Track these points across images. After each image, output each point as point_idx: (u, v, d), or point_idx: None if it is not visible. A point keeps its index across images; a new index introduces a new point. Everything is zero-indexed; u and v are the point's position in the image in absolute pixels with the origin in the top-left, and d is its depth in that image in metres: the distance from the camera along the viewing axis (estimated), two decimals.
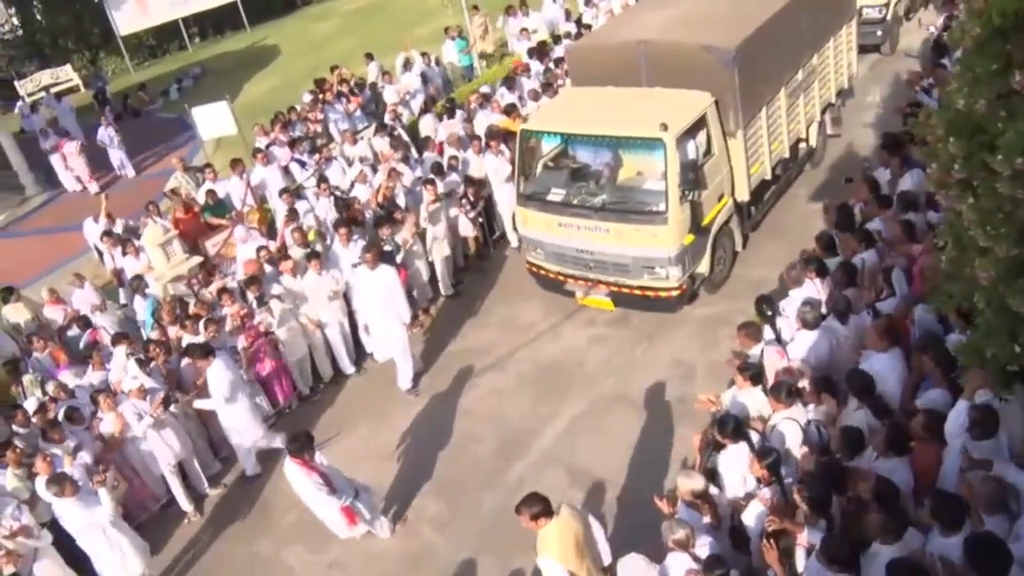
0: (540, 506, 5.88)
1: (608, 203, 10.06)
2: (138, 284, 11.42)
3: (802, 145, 12.62)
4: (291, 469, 7.45)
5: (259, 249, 11.32)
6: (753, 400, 7.00)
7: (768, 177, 11.45)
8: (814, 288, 8.08)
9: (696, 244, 10.08)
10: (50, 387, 9.70)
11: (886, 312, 7.29)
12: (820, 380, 6.89)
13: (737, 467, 6.36)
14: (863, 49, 15.66)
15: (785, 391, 6.65)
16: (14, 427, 9.08)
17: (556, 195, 10.49)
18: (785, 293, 8.54)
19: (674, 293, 10.08)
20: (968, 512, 4.99)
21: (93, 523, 7.94)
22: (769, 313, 7.89)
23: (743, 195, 10.90)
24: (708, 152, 10.28)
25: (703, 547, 5.67)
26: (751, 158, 10.79)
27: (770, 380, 7.16)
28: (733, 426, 6.44)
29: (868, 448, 6.01)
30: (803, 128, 12.29)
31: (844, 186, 10.86)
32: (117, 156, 20.11)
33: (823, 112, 12.98)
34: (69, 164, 19.63)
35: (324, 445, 7.99)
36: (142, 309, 11.33)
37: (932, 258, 6.82)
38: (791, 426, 6.59)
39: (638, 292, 10.22)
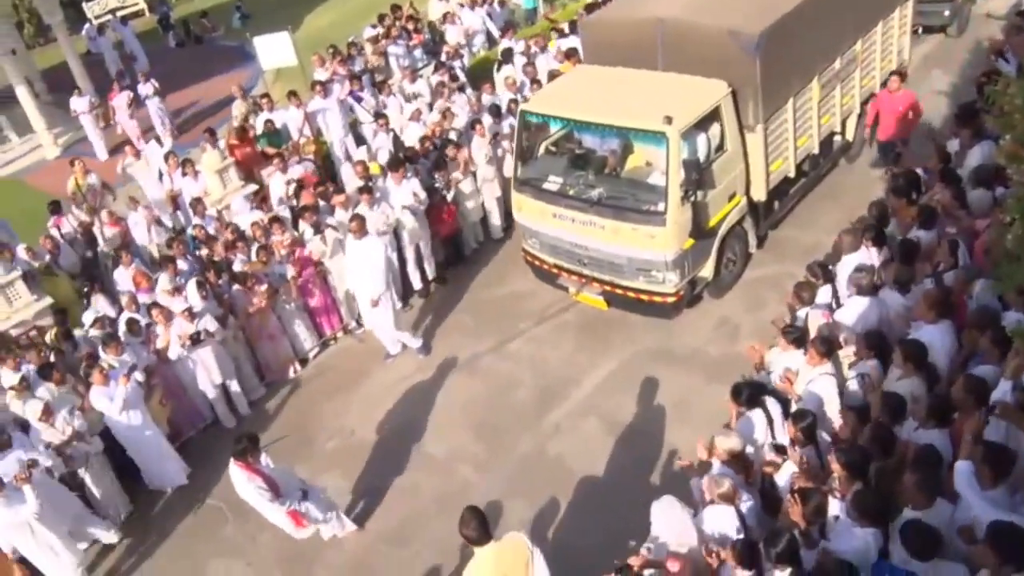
0: (472, 530, 5.22)
1: (605, 197, 9.33)
2: (197, 206, 11.65)
3: (837, 138, 11.67)
4: (234, 472, 7.09)
5: (316, 184, 11.45)
6: (792, 362, 6.97)
7: (792, 174, 10.53)
8: (868, 255, 7.94)
9: (698, 248, 9.37)
10: (123, 299, 10.01)
11: (943, 284, 7.15)
12: (871, 335, 6.81)
13: (755, 433, 6.37)
14: (927, 30, 14.85)
15: (826, 344, 6.63)
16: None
17: (553, 183, 9.84)
18: (837, 258, 8.41)
19: (670, 299, 9.41)
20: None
21: (17, 523, 7.53)
22: (831, 274, 7.81)
23: (759, 194, 10.02)
24: (721, 147, 9.42)
25: (745, 503, 5.70)
26: (772, 154, 9.91)
27: None
28: (747, 395, 6.50)
29: (908, 419, 5.96)
30: (838, 121, 11.29)
31: (907, 152, 10.57)
32: (157, 115, 17.88)
33: (864, 103, 11.79)
34: (118, 118, 17.97)
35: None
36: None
37: (996, 234, 6.66)
38: (829, 382, 6.57)
39: (632, 295, 9.59)
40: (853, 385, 6.68)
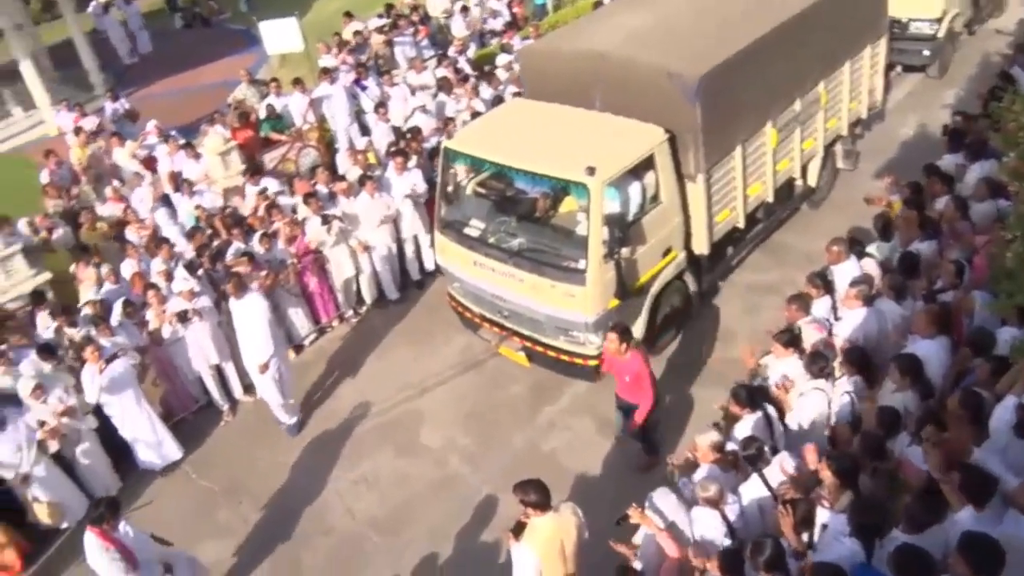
0: (537, 496, 5.47)
1: (525, 248, 8.62)
2: (187, 187, 11.67)
3: (798, 183, 10.90)
4: (88, 540, 6.44)
5: (315, 167, 11.58)
6: (789, 367, 6.99)
7: (740, 225, 9.80)
8: (857, 266, 7.96)
9: (626, 307, 8.53)
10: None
11: (942, 300, 7.16)
12: (852, 352, 6.79)
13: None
14: (907, 69, 14.44)
15: (820, 363, 6.66)
16: (66, 329, 9.33)
17: (474, 228, 9.12)
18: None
19: (591, 362, 8.59)
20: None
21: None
22: (831, 285, 7.79)
23: (702, 248, 9.27)
24: (655, 198, 8.67)
25: (731, 506, 5.73)
26: (717, 205, 9.17)
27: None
28: (746, 396, 6.51)
29: (902, 433, 5.98)
30: (797, 166, 10.53)
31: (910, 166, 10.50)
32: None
33: (831, 145, 11.29)
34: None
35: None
36: (186, 212, 11.59)
37: (995, 250, 6.69)
38: (820, 397, 6.60)
39: (553, 353, 8.84)
40: (843, 400, 6.69)
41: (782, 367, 7.05)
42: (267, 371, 8.98)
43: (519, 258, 8.59)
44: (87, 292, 10.06)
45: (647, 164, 8.49)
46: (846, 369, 6.77)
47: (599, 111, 9.01)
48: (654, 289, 8.92)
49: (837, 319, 7.58)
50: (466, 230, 9.18)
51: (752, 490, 5.94)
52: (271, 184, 11.64)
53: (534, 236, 8.75)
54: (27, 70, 18.45)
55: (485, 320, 9.46)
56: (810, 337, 7.30)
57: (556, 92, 9.35)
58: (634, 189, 8.55)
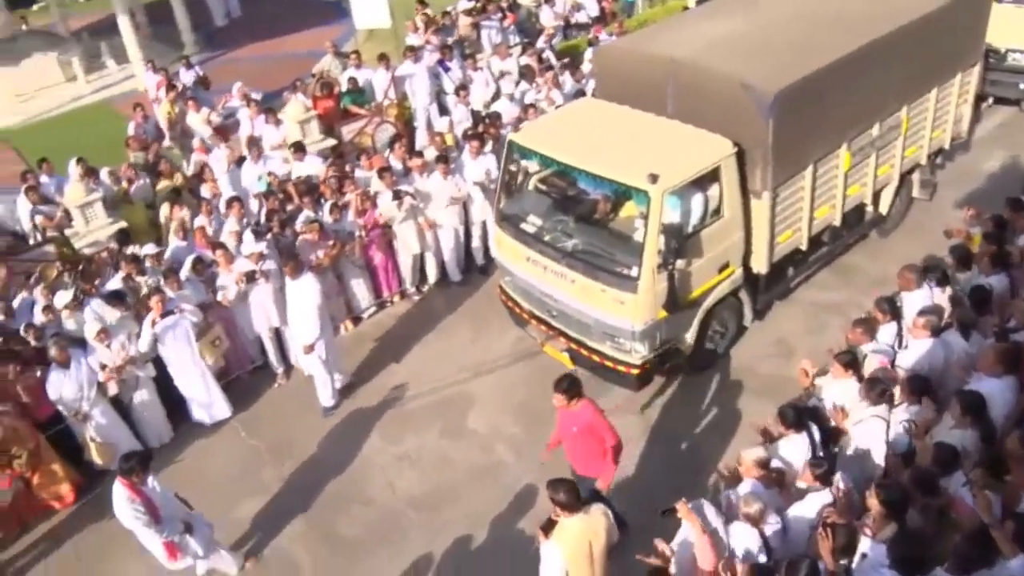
0: (567, 496, 5.44)
1: (579, 250, 8.48)
2: (256, 152, 11.80)
3: (868, 209, 10.62)
4: (116, 489, 6.66)
5: (393, 140, 11.77)
6: (845, 389, 6.83)
7: (803, 247, 9.58)
8: (928, 295, 7.74)
9: (676, 319, 8.42)
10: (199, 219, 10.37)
11: (1013, 338, 6.92)
12: (914, 380, 6.59)
13: (796, 458, 6.28)
14: (998, 101, 13.86)
15: (879, 388, 6.48)
16: (135, 276, 9.65)
17: (531, 224, 8.99)
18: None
19: (634, 371, 8.48)
20: None
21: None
22: (899, 312, 7.58)
23: (760, 266, 9.08)
24: (717, 212, 8.45)
25: (772, 526, 5.65)
26: (781, 224, 8.95)
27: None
28: (793, 417, 6.37)
29: (958, 471, 5.81)
30: (869, 192, 10.17)
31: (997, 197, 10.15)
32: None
33: (908, 173, 10.88)
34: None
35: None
36: (250, 176, 11.76)
37: None
38: (879, 424, 6.43)
39: (596, 358, 8.69)
40: (899, 428, 6.53)
41: (838, 388, 6.90)
42: (311, 352, 9.11)
43: (572, 259, 8.47)
44: (175, 235, 10.39)
45: (712, 176, 8.28)
46: (906, 397, 6.60)
47: (669, 117, 8.82)
48: (707, 303, 8.79)
49: (903, 347, 7.38)
50: (523, 225, 9.08)
51: (803, 509, 5.84)
52: (315, 162, 11.72)
53: (590, 238, 8.61)
54: (124, 25, 19.10)
55: (533, 317, 9.38)
56: (872, 367, 7.13)
57: (628, 95, 9.18)
58: (696, 200, 8.37)
